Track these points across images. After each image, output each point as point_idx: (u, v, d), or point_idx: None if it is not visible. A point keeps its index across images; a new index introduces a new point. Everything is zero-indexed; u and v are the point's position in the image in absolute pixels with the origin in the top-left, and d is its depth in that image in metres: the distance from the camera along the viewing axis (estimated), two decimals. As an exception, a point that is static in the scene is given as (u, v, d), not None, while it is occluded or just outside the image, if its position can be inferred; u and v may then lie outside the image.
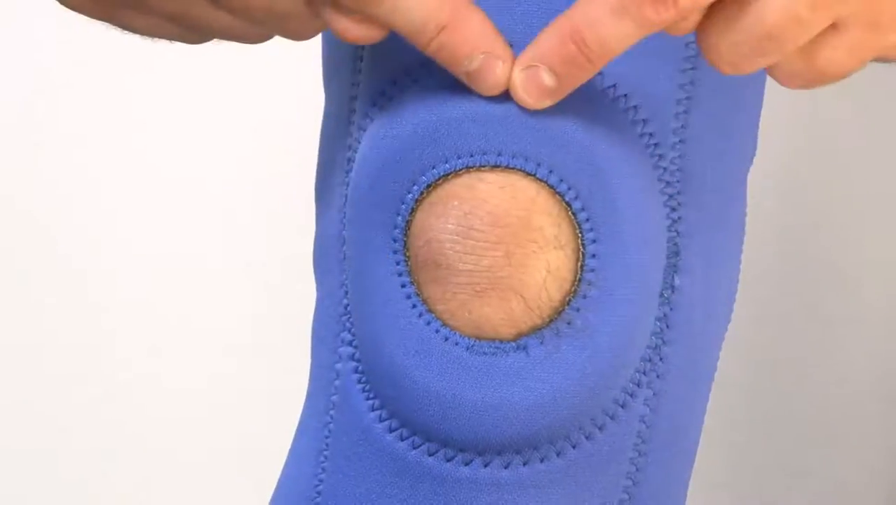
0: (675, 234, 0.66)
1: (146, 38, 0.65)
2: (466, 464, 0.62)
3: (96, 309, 1.43)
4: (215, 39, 0.64)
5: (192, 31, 0.63)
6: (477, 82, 0.61)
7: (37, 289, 1.44)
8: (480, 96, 0.61)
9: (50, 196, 1.42)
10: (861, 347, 1.36)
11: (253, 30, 0.63)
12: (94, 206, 1.42)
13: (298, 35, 0.63)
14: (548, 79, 0.59)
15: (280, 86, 1.39)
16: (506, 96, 0.61)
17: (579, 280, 0.62)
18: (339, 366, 0.66)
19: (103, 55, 1.38)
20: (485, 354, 0.61)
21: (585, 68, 0.59)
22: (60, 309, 1.43)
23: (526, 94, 0.60)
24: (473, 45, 0.60)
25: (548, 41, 0.59)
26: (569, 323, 0.62)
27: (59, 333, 1.44)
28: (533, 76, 0.60)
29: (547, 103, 0.60)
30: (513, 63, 0.60)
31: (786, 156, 1.33)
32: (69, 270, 1.43)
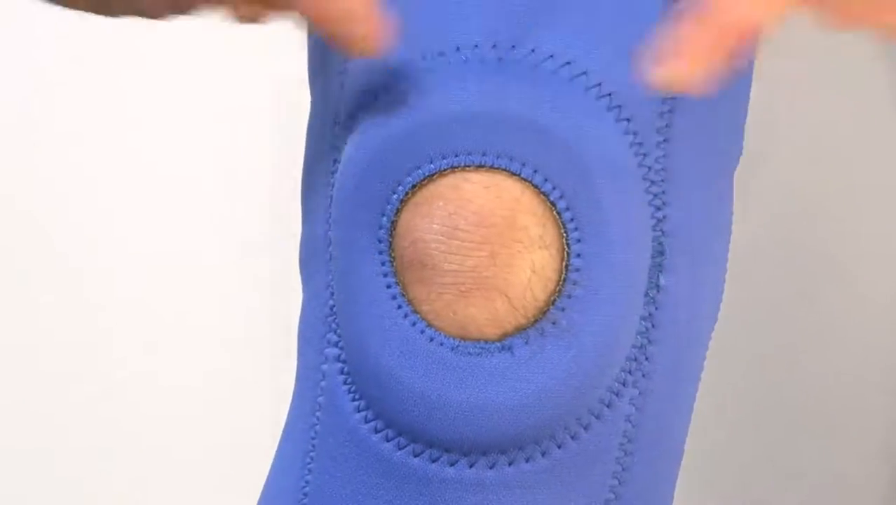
0: (659, 233, 0.66)
1: (64, 8, 0.63)
2: (452, 464, 0.62)
3: (92, 307, 1.43)
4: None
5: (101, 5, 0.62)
6: (345, 44, 0.59)
7: (33, 287, 1.44)
8: (466, 97, 0.61)
9: (46, 194, 1.42)
10: (859, 340, 1.36)
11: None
12: (90, 204, 1.42)
13: (152, 13, 0.61)
14: (688, 66, 0.56)
15: (277, 85, 1.38)
16: (491, 95, 0.61)
17: (564, 280, 0.62)
18: (324, 367, 0.66)
19: (100, 53, 1.38)
20: (469, 354, 0.61)
21: (727, 54, 0.56)
22: (56, 307, 1.43)
23: (668, 82, 0.57)
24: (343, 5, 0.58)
25: (688, 29, 0.56)
26: (554, 323, 0.62)
27: (55, 331, 1.44)
28: (674, 65, 0.56)
29: (686, 91, 0.57)
30: (374, 23, 0.59)
31: (782, 146, 1.33)
32: (65, 268, 1.43)
